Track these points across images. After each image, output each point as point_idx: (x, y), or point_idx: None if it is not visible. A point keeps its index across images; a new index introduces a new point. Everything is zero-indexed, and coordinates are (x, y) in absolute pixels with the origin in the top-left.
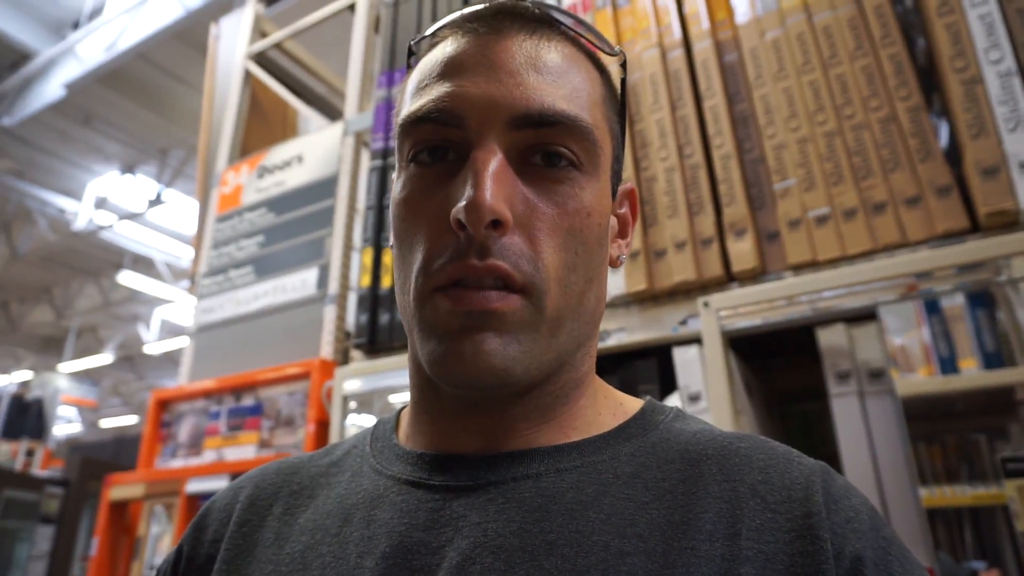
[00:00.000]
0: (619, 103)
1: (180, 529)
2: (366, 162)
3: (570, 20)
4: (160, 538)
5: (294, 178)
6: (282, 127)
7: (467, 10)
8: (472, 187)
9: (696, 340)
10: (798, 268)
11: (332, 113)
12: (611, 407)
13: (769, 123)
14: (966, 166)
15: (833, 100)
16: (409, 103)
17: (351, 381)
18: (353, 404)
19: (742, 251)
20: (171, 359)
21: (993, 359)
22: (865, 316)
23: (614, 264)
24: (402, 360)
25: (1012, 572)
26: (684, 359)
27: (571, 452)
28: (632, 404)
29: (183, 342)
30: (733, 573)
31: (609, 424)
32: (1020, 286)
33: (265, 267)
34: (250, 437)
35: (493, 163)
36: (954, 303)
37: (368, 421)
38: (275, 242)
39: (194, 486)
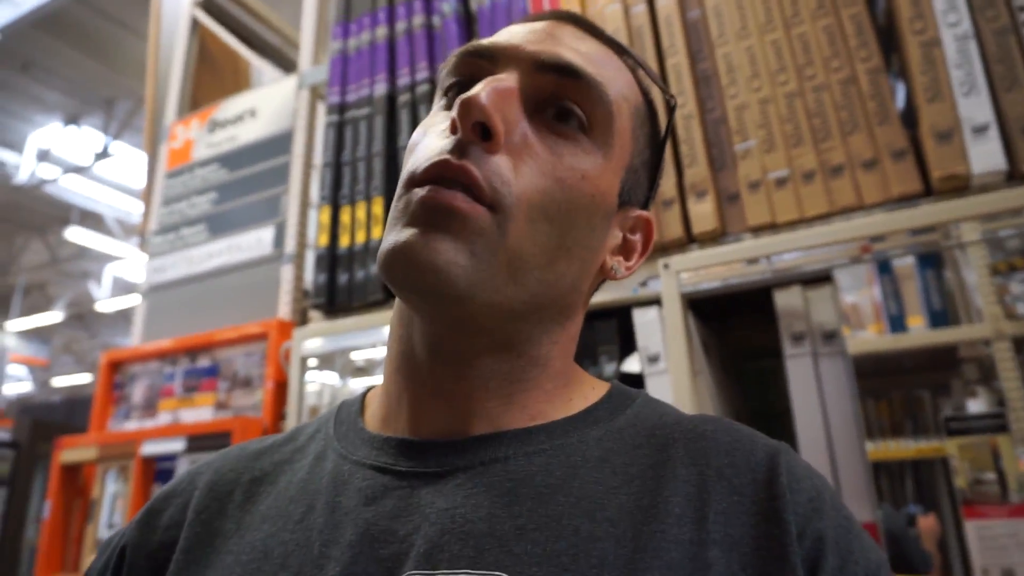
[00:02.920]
0: (657, 139)
1: (137, 489)
2: (322, 117)
3: (620, 47)
4: (117, 498)
5: (247, 133)
6: (234, 79)
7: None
8: (471, 90)
9: (656, 301)
10: (757, 230)
11: (286, 65)
12: (583, 391)
13: (731, 83)
14: (921, 129)
15: (795, 60)
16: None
17: (310, 342)
18: (313, 362)
19: (703, 212)
20: (125, 317)
21: (939, 317)
22: (821, 278)
23: (606, 274)
24: (361, 320)
25: (947, 518)
26: (644, 320)
27: (539, 434)
28: (600, 388)
29: (136, 300)
30: (701, 556)
31: (576, 407)
32: (968, 249)
33: (219, 225)
34: (206, 399)
35: (503, 78)
36: (904, 263)
37: (330, 379)
38: (229, 199)
39: (149, 448)
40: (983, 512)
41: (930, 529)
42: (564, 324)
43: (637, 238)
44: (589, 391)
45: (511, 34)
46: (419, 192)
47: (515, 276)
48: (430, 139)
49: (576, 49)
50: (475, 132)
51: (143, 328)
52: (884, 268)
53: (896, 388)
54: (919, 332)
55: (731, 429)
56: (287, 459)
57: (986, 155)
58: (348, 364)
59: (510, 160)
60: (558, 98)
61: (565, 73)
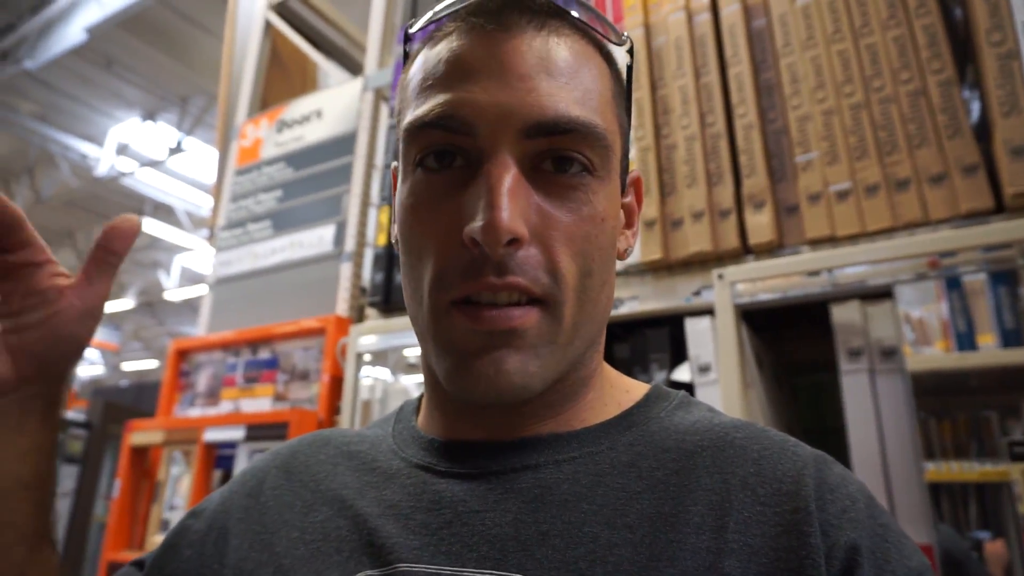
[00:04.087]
0: (626, 93)
1: (199, 474)
2: (385, 119)
3: (576, 7)
4: (180, 479)
5: (313, 133)
6: (302, 80)
7: None
8: (488, 207)
9: (709, 311)
10: (816, 243)
11: (352, 67)
12: (617, 396)
13: (795, 93)
14: (995, 144)
15: (862, 71)
16: (413, 105)
17: (365, 339)
18: (368, 356)
19: (760, 224)
20: (191, 306)
21: (1012, 336)
22: (881, 294)
23: (621, 257)
24: None
25: (1015, 545)
26: (696, 330)
27: (571, 442)
28: (638, 391)
29: (203, 290)
30: (717, 566)
31: (610, 412)
32: None
33: (283, 222)
34: (266, 390)
35: (508, 179)
36: (975, 279)
37: (382, 373)
38: (293, 197)
39: (211, 435)
40: None
41: (997, 555)
42: (602, 330)
43: (631, 199)
44: (623, 394)
45: (473, 86)
46: (462, 319)
47: (572, 341)
48: (440, 239)
49: (552, 77)
50: (505, 247)
51: (209, 319)
52: (953, 284)
53: (961, 408)
54: (989, 351)
55: (762, 437)
56: (349, 447)
57: None
58: (401, 360)
59: (539, 246)
60: (554, 151)
61: (558, 132)
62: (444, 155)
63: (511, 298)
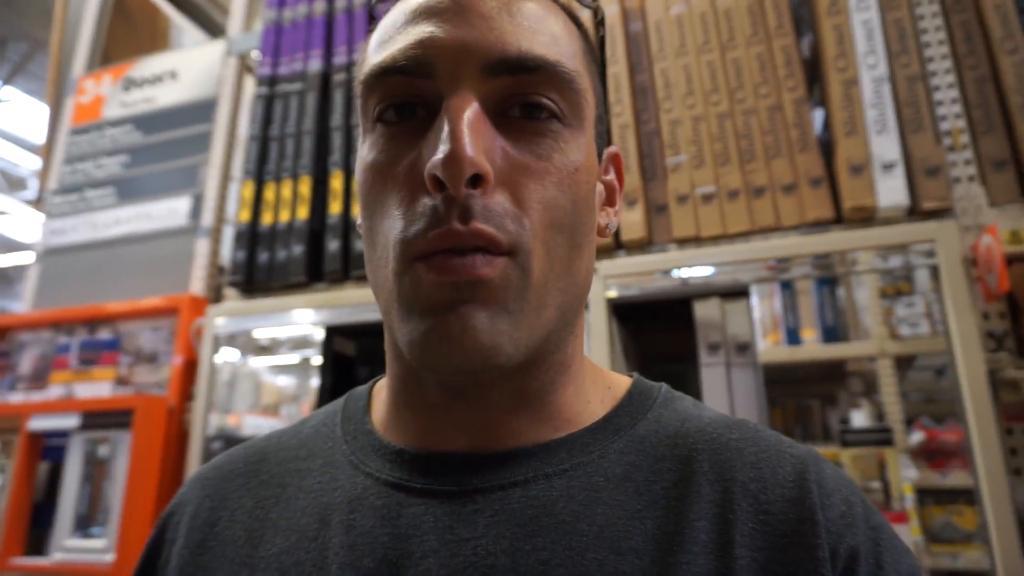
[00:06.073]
0: (599, 60)
1: (21, 467)
2: (250, 87)
3: None
4: None
5: (166, 96)
6: (151, 36)
7: None
8: (449, 140)
9: None
10: (682, 242)
11: (210, 28)
12: (599, 392)
13: (667, 97)
14: (837, 161)
15: (728, 82)
16: (372, 58)
17: (224, 320)
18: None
19: (632, 221)
20: (6, 276)
21: (831, 333)
22: (737, 292)
23: (602, 234)
24: (280, 302)
25: None
26: None
27: (559, 451)
28: (620, 385)
29: (24, 259)
30: None
31: (597, 412)
32: (863, 277)
33: (129, 190)
34: (106, 373)
35: (469, 111)
36: (804, 281)
37: (231, 355)
38: (142, 164)
39: (38, 423)
40: None
41: None
42: (579, 310)
43: (612, 177)
44: (604, 391)
45: (432, 27)
46: (427, 272)
47: (544, 302)
48: (402, 191)
49: (515, 19)
50: (468, 186)
51: (35, 293)
52: (786, 284)
53: (790, 397)
54: (813, 345)
55: (757, 438)
56: (293, 458)
57: (892, 191)
58: (250, 341)
59: (505, 192)
60: (521, 95)
61: (522, 70)
62: (404, 107)
63: (478, 247)
